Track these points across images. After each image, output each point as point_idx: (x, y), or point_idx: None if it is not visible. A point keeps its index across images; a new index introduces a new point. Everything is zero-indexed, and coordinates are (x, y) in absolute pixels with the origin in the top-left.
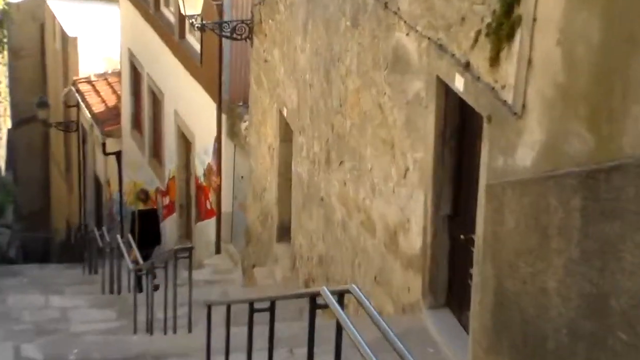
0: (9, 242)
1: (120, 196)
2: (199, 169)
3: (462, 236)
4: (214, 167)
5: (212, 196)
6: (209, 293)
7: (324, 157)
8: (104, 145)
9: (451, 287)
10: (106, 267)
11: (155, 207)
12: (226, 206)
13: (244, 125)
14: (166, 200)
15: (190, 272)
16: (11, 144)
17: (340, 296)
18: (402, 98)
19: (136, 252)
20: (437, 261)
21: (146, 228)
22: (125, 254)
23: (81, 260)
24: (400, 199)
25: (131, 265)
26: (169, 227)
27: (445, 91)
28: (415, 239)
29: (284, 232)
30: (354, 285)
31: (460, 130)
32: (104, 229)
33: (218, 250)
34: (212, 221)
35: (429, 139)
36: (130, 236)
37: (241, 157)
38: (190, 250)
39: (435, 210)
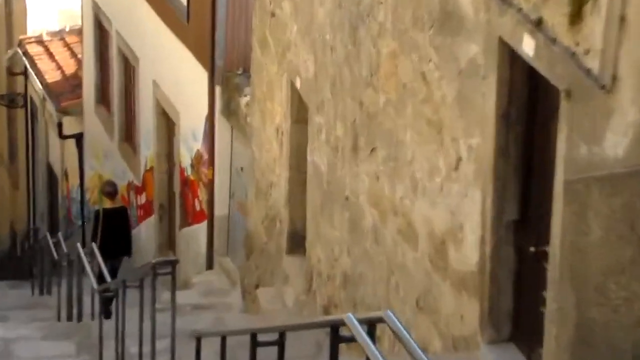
0: None
1: (82, 193)
2: (185, 158)
3: (531, 248)
4: (205, 156)
5: (202, 194)
6: (198, 321)
7: (350, 143)
8: (59, 125)
9: (517, 316)
10: (63, 285)
11: (125, 205)
12: (221, 207)
13: (243, 100)
14: (141, 199)
15: (174, 293)
16: None
17: (371, 326)
18: (452, 66)
19: (101, 266)
20: (500, 282)
21: (113, 232)
22: (88, 269)
23: (30, 276)
24: (450, 198)
25: (96, 284)
26: (145, 233)
27: (509, 57)
28: (470, 252)
29: (297, 242)
30: (389, 312)
31: (530, 110)
32: (60, 235)
33: (210, 265)
34: (202, 226)
35: (488, 120)
36: (94, 245)
37: (240, 143)
38: (173, 264)
39: (497, 215)
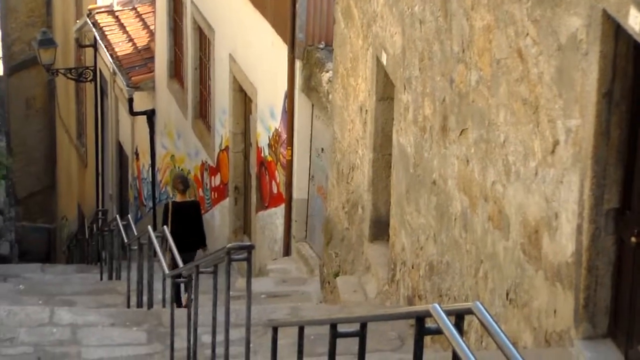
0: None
1: (153, 173)
2: (262, 137)
3: (633, 239)
4: (283, 135)
5: (279, 175)
6: (274, 310)
7: (439, 123)
8: (130, 101)
9: (616, 310)
10: (133, 271)
11: (196, 199)
12: (299, 190)
13: (325, 76)
14: (215, 180)
15: (249, 280)
16: (3, 98)
17: (458, 318)
18: (551, 41)
19: (174, 252)
20: (598, 274)
21: (184, 227)
22: (160, 254)
23: (98, 260)
24: (545, 184)
25: (167, 270)
26: (219, 217)
27: (614, 32)
28: (566, 242)
29: (380, 229)
30: (478, 304)
31: (635, 89)
32: (130, 218)
33: (287, 252)
34: (279, 210)
35: (589, 100)
36: (165, 229)
37: (321, 122)
38: (249, 249)
39: (596, 202)
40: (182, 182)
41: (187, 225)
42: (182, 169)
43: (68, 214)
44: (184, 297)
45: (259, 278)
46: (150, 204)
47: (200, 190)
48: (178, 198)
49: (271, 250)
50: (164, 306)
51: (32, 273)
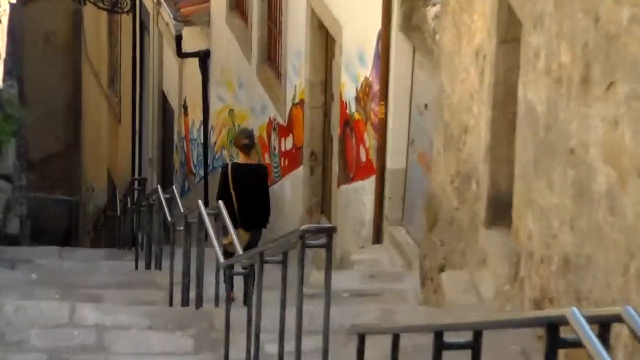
0: (8, 206)
1: (205, 133)
2: (347, 89)
3: None
4: (375, 87)
5: (369, 139)
6: (360, 313)
7: (579, 74)
8: (178, 39)
9: None
10: (178, 258)
11: (261, 161)
12: (395, 158)
13: (431, 11)
14: (286, 144)
15: (329, 274)
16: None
17: (603, 327)
18: None
19: (232, 235)
20: None
21: (246, 197)
22: (214, 237)
23: (133, 244)
24: None
25: (222, 258)
26: (291, 191)
27: None
28: None
29: (500, 211)
30: (629, 309)
31: None
32: (175, 190)
33: (378, 238)
34: (368, 184)
35: None
36: (221, 205)
37: (425, 70)
38: (328, 233)
39: None
40: (247, 137)
41: (251, 195)
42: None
43: (95, 184)
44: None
45: (340, 271)
46: (202, 173)
47: (266, 155)
48: (241, 159)
49: (357, 236)
50: (216, 305)
51: (48, 258)
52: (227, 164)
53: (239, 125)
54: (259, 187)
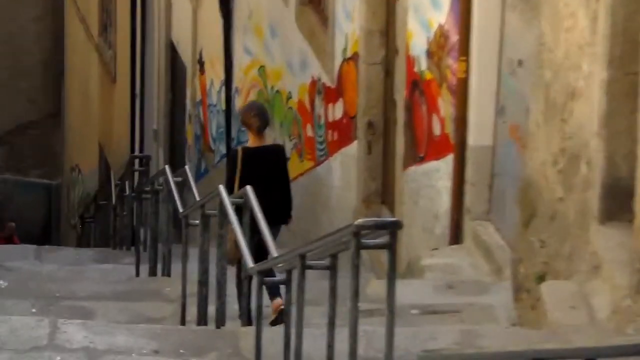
0: None
1: (228, 97)
2: (416, 39)
3: None
4: (453, 37)
5: (446, 106)
6: (434, 336)
7: None
8: None
9: None
10: (192, 262)
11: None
12: (479, 132)
13: None
14: (335, 111)
15: (392, 284)
16: None
17: None
18: None
19: (261, 226)
20: None
21: (263, 189)
22: (240, 235)
23: (133, 243)
24: None
25: (251, 261)
26: (341, 174)
27: None
28: None
29: (618, 201)
30: None
31: None
32: (188, 171)
33: (456, 236)
34: (443, 165)
35: None
36: (249, 191)
37: (519, 15)
38: (392, 230)
39: None
40: (257, 114)
41: (268, 186)
42: (277, 91)
43: (82, 163)
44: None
45: (407, 280)
46: (223, 149)
47: (307, 127)
48: (251, 142)
49: (429, 233)
50: (243, 323)
51: (22, 260)
52: (235, 150)
53: (272, 87)
54: (278, 175)
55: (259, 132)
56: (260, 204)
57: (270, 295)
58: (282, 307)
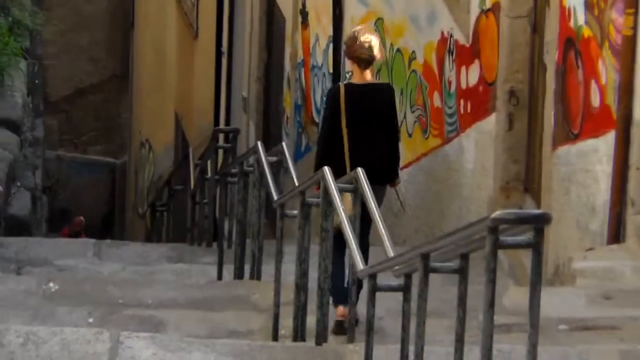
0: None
1: (337, 56)
2: None
3: None
4: None
5: (607, 71)
6: (587, 356)
7: None
8: None
9: None
10: (289, 262)
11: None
12: None
13: None
14: (470, 76)
15: (536, 292)
16: None
17: None
18: None
19: (374, 215)
20: None
21: (366, 136)
22: (349, 230)
23: (214, 238)
24: None
25: (361, 264)
26: (475, 154)
27: None
28: None
29: None
30: None
31: None
32: (285, 149)
33: (616, 234)
34: (603, 145)
35: None
36: (362, 175)
37: None
38: (538, 225)
39: None
40: (366, 42)
41: (373, 132)
42: (398, 50)
43: (154, 138)
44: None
45: (554, 288)
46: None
47: (434, 95)
48: (355, 78)
49: (582, 230)
50: (350, 339)
51: (77, 258)
52: (337, 86)
53: (392, 45)
54: (385, 120)
55: (367, 65)
56: (359, 156)
57: (335, 301)
58: (343, 318)
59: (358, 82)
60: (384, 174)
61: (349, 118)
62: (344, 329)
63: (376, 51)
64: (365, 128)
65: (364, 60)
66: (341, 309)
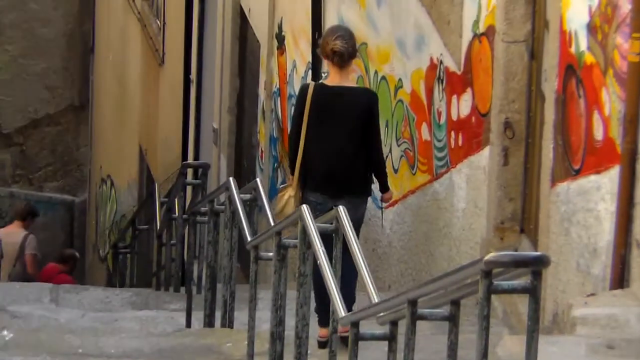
0: None
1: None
2: (573, 9)
3: None
4: (625, 6)
5: (612, 101)
6: None
7: None
8: None
9: None
10: (263, 309)
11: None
12: None
13: None
14: (461, 107)
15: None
16: None
17: None
18: None
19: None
20: None
21: (336, 142)
22: (326, 270)
23: (182, 283)
24: None
25: (343, 311)
26: (467, 192)
27: None
28: None
29: None
30: None
31: None
32: (260, 185)
33: (621, 278)
34: (607, 181)
35: None
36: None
37: None
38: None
39: None
40: (341, 37)
41: (345, 138)
42: (383, 77)
43: (116, 173)
44: None
45: (553, 337)
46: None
47: (422, 127)
48: (330, 78)
49: (583, 274)
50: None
51: (32, 304)
52: (306, 85)
53: (376, 72)
54: (358, 126)
55: (342, 63)
56: (325, 162)
57: (320, 321)
58: (325, 339)
59: (330, 84)
60: (353, 184)
61: (313, 120)
62: (325, 344)
63: (353, 44)
64: (330, 132)
65: (338, 53)
66: (324, 331)
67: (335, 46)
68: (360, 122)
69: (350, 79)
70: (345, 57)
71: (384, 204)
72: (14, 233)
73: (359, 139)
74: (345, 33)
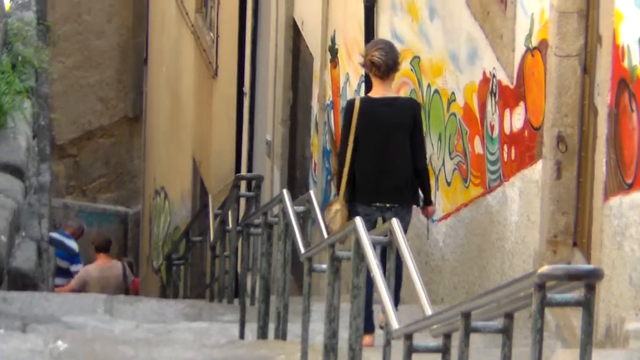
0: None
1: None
2: (627, 24)
3: None
4: None
5: None
6: None
7: None
8: None
9: None
10: (316, 321)
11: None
12: None
13: None
14: (514, 120)
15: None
16: None
17: None
18: None
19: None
20: None
21: (384, 153)
22: (381, 284)
23: (235, 294)
24: None
25: (396, 324)
26: (519, 206)
27: None
28: None
29: None
30: None
31: None
32: (314, 197)
33: None
34: None
35: None
36: (396, 227)
37: None
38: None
39: None
40: (382, 49)
41: (392, 149)
42: (436, 91)
43: (170, 185)
44: None
45: (606, 350)
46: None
47: (475, 140)
48: (374, 91)
49: (636, 287)
50: None
51: (87, 315)
52: (352, 100)
53: (429, 85)
54: (407, 135)
55: (385, 75)
56: (375, 173)
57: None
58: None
59: (374, 96)
60: (400, 195)
61: (361, 132)
62: None
63: (393, 57)
64: (378, 143)
65: (376, 64)
66: (367, 338)
67: (373, 57)
68: (406, 131)
69: (390, 90)
70: (382, 68)
71: (432, 218)
72: (111, 267)
73: (406, 149)
74: (385, 45)
